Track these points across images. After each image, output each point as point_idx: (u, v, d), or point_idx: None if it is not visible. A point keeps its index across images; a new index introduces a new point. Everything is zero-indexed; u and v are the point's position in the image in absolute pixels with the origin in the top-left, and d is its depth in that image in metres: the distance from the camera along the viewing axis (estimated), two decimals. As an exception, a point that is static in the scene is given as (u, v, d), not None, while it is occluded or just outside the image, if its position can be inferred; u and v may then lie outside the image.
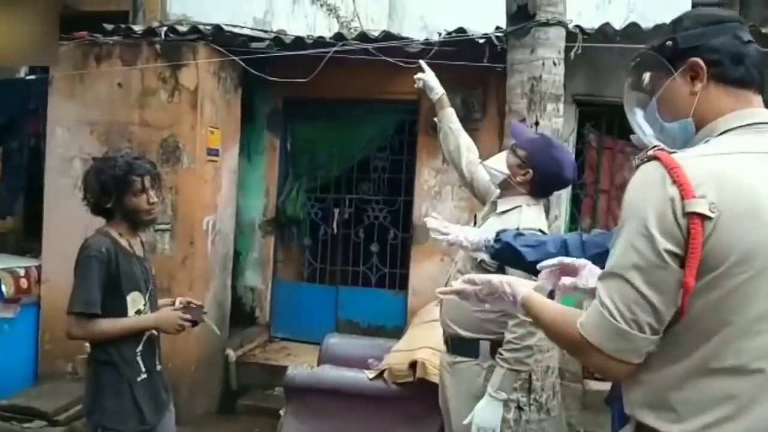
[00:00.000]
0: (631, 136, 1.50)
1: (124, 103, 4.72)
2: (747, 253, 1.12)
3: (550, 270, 1.58)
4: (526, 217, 2.53)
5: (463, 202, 5.06)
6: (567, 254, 1.87)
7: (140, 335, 2.48)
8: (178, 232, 4.64)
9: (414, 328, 4.26)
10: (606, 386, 2.96)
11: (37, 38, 4.35)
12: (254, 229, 5.73)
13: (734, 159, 1.18)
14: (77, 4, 5.49)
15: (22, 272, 4.77)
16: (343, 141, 5.57)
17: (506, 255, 2.08)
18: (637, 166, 1.23)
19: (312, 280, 5.87)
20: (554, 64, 3.89)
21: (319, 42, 4.82)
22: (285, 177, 5.75)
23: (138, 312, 2.50)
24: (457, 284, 1.56)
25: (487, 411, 2.42)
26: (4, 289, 4.59)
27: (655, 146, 1.32)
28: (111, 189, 2.45)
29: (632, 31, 4.39)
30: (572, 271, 1.55)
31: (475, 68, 4.56)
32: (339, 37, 4.93)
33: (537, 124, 3.85)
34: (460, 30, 4.67)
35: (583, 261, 1.56)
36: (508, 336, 2.44)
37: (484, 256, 2.24)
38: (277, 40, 4.95)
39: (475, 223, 3.13)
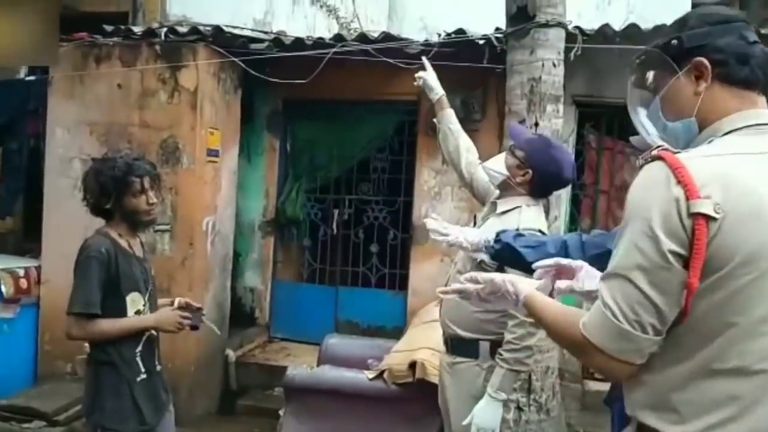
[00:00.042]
0: (631, 138, 1.49)
1: (124, 103, 4.72)
2: (751, 254, 1.12)
3: (545, 270, 1.57)
4: (526, 217, 2.53)
5: (463, 202, 5.06)
6: (567, 255, 1.88)
7: (140, 336, 2.49)
8: (178, 232, 4.64)
9: (414, 329, 4.26)
10: (605, 387, 2.96)
11: (37, 38, 4.35)
12: (254, 230, 5.73)
13: (738, 160, 1.17)
14: (77, 4, 5.49)
15: (21, 273, 4.77)
16: (342, 142, 5.58)
17: (506, 255, 2.08)
18: (641, 166, 1.23)
19: (312, 281, 5.87)
20: (554, 65, 3.89)
21: (319, 43, 4.82)
22: (285, 178, 5.75)
23: (137, 312, 2.50)
24: (458, 284, 1.56)
25: (486, 411, 2.42)
26: (3, 289, 4.59)
27: (659, 146, 1.30)
28: (110, 190, 2.45)
29: (632, 32, 4.40)
30: (569, 273, 1.54)
31: (475, 69, 4.56)
32: (339, 38, 4.93)
33: (537, 125, 3.85)
34: (460, 31, 4.67)
35: (580, 263, 1.55)
36: (507, 336, 2.44)
37: (483, 256, 2.24)
38: (277, 41, 4.95)
39: (474, 224, 3.14)
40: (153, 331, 2.54)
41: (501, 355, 2.45)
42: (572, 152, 4.74)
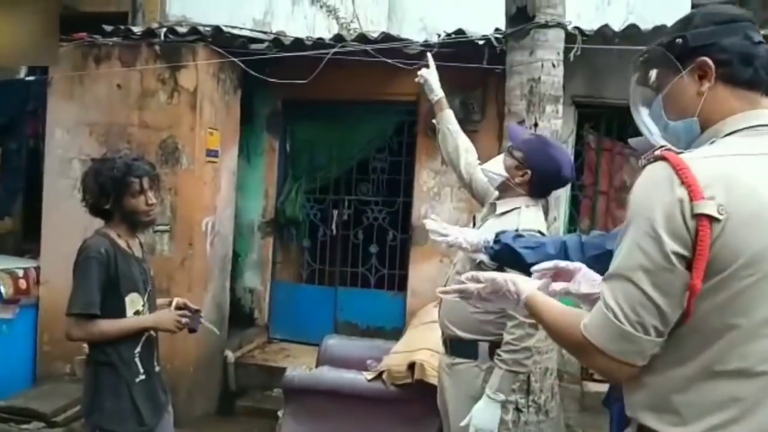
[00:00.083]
0: (630, 140, 1.49)
1: (124, 104, 4.72)
2: (754, 256, 1.11)
3: (542, 272, 1.56)
4: (525, 218, 2.53)
5: (462, 203, 5.06)
6: (566, 256, 1.87)
7: (139, 336, 2.48)
8: (177, 233, 4.64)
9: (413, 330, 4.26)
10: (604, 388, 2.95)
11: (37, 38, 4.34)
12: (253, 231, 5.73)
13: (741, 161, 1.16)
14: (76, 5, 5.49)
15: (20, 273, 4.76)
16: (342, 142, 5.58)
17: (505, 256, 2.08)
18: (644, 166, 1.21)
19: (311, 282, 5.87)
20: (553, 65, 3.89)
21: (319, 43, 4.82)
22: (284, 178, 5.75)
23: (136, 313, 2.50)
24: (457, 284, 1.55)
25: (485, 412, 2.42)
26: (2, 290, 4.58)
27: (662, 146, 1.30)
28: (109, 190, 2.45)
29: (631, 32, 4.40)
30: (567, 275, 1.53)
31: (475, 70, 4.56)
32: (338, 38, 4.93)
33: (536, 125, 3.85)
34: (460, 31, 4.67)
35: (578, 265, 1.54)
36: (506, 337, 2.44)
37: (483, 257, 2.24)
38: (277, 42, 4.95)
39: (474, 225, 3.14)
40: (152, 332, 2.54)
41: (499, 356, 2.45)
42: (571, 153, 4.75)
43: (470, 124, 4.63)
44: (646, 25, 4.39)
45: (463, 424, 2.47)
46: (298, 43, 4.86)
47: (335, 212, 5.75)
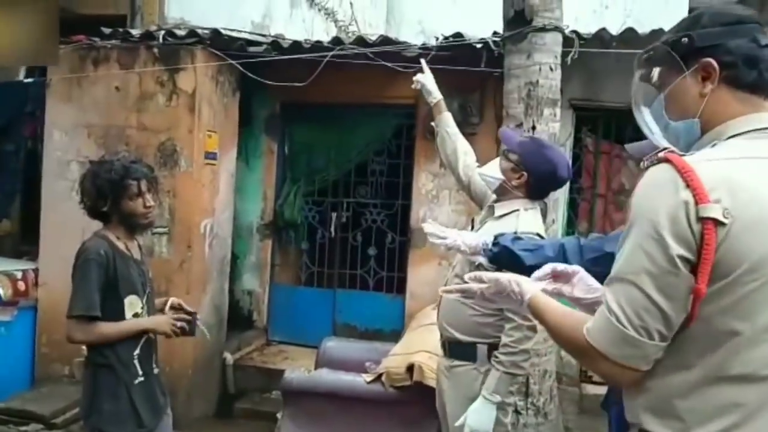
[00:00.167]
0: (626, 146, 1.48)
1: (122, 106, 4.72)
2: (759, 260, 1.10)
3: (541, 277, 1.54)
4: (524, 220, 2.54)
5: (461, 206, 5.07)
6: (565, 258, 1.88)
7: (138, 338, 2.49)
8: (176, 235, 4.64)
9: (411, 332, 4.27)
10: (603, 390, 2.96)
11: (37, 37, 4.33)
12: (252, 233, 5.73)
13: (744, 164, 1.15)
14: (75, 7, 5.49)
15: (19, 275, 4.76)
16: (340, 145, 5.58)
17: (504, 259, 2.08)
18: (646, 168, 1.20)
19: (309, 284, 5.87)
20: (551, 69, 3.90)
21: (317, 46, 4.83)
22: (283, 181, 5.75)
23: (135, 315, 2.50)
24: (455, 285, 1.54)
25: (480, 413, 2.43)
26: (1, 292, 4.58)
27: (665, 148, 1.28)
28: (107, 193, 2.46)
29: (629, 36, 4.41)
30: (564, 278, 1.51)
31: (473, 73, 4.57)
32: (337, 41, 4.94)
33: (534, 128, 3.86)
34: (458, 35, 4.68)
35: (576, 268, 1.52)
36: (504, 339, 2.45)
37: (482, 259, 2.25)
38: (275, 44, 4.95)
39: (472, 227, 3.14)
40: (151, 334, 2.54)
41: (497, 357, 2.46)
42: (569, 156, 4.76)
43: (468, 127, 4.64)
44: (643, 28, 4.41)
45: (458, 424, 2.47)
46: (296, 46, 4.86)
47: (334, 215, 5.76)
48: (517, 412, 3.74)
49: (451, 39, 4.67)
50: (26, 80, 6.10)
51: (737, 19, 1.26)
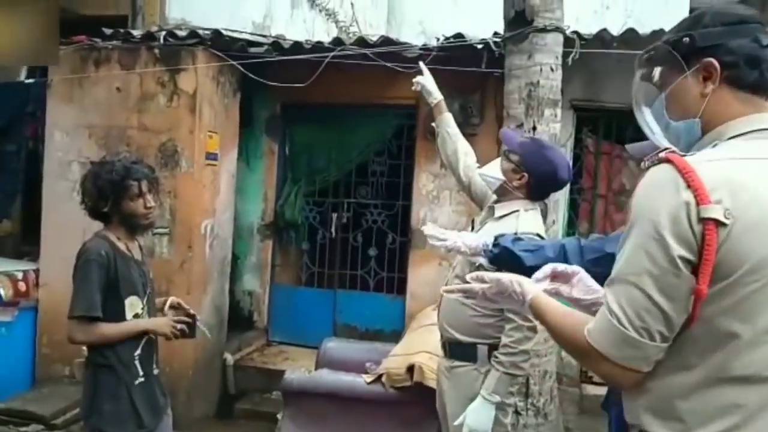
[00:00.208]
0: (627, 146, 1.48)
1: (123, 107, 4.73)
2: (760, 261, 1.09)
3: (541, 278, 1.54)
4: (524, 221, 2.54)
5: (461, 206, 5.06)
6: (565, 259, 1.88)
7: (139, 339, 2.49)
8: (177, 236, 4.64)
9: (412, 333, 4.27)
10: (603, 391, 2.96)
11: (38, 38, 4.33)
12: (252, 233, 5.73)
13: (745, 165, 1.14)
14: (76, 8, 5.50)
15: (20, 276, 4.76)
16: (341, 145, 5.58)
17: (505, 259, 2.08)
18: (647, 168, 1.19)
19: (310, 284, 5.87)
20: (552, 69, 3.90)
21: (318, 47, 4.83)
22: (283, 181, 5.76)
23: (136, 316, 2.51)
24: (456, 285, 1.54)
25: (479, 413, 2.43)
26: (2, 292, 4.58)
27: (666, 148, 1.28)
28: (108, 193, 2.46)
29: (629, 36, 4.41)
30: (564, 278, 1.51)
31: (473, 73, 4.57)
32: (337, 41, 4.94)
33: (534, 129, 3.86)
34: (458, 35, 4.68)
35: (576, 268, 1.52)
36: (504, 340, 2.45)
37: (482, 260, 2.25)
38: (276, 45, 4.96)
39: (473, 228, 3.14)
40: (151, 335, 2.54)
41: (497, 357, 2.46)
42: (570, 156, 4.76)
43: (469, 128, 4.64)
44: (644, 29, 4.40)
45: (456, 423, 2.47)
46: (297, 47, 4.86)
47: (334, 215, 5.76)
48: (517, 412, 3.73)
49: (451, 39, 4.67)
50: (27, 81, 6.11)
51: (739, 19, 1.25)
